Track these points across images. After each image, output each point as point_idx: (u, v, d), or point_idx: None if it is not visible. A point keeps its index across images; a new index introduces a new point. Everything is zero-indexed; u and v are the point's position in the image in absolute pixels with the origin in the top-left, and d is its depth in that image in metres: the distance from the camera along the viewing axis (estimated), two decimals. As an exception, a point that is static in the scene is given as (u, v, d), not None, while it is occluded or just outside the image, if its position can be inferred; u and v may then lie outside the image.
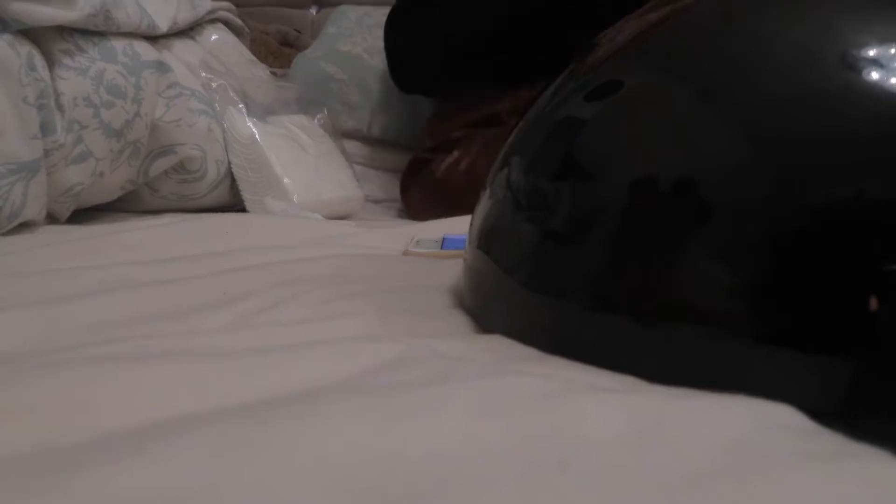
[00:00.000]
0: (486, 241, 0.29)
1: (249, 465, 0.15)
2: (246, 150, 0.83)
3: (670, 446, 0.17)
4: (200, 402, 0.20)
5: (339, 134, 1.08)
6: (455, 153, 0.98)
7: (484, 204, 0.30)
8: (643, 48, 0.26)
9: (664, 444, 0.17)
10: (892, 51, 0.21)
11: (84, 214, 0.71)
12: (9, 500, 0.14)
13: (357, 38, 1.20)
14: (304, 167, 0.88)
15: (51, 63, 0.60)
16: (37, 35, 0.59)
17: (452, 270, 0.41)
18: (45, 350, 0.24)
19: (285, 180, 0.84)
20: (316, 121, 0.98)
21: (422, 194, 1.03)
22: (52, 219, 0.67)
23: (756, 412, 0.19)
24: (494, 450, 0.17)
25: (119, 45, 0.66)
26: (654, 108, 0.24)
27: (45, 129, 0.59)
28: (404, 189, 1.11)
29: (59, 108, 0.60)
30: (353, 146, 1.17)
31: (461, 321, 0.31)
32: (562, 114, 0.27)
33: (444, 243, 0.54)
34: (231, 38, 0.90)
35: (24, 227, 0.61)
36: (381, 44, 1.13)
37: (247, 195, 0.82)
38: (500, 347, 0.27)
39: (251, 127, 0.83)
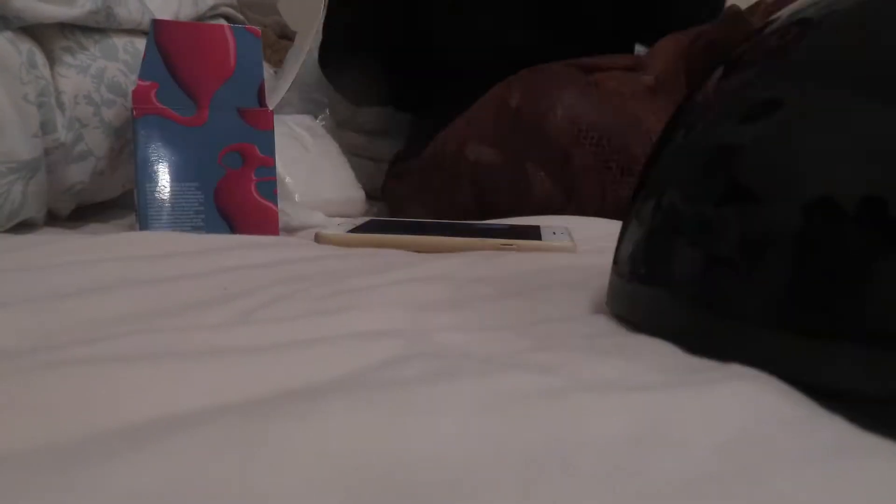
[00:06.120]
0: (642, 268, 0.29)
1: (249, 463, 0.15)
2: (248, 149, 0.82)
3: (671, 447, 0.17)
4: (200, 399, 0.20)
5: (335, 125, 1.08)
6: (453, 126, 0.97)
7: (633, 232, 0.30)
8: (791, 65, 0.25)
9: (665, 445, 0.17)
10: None
11: (84, 210, 0.71)
12: (9, 498, 0.14)
13: (350, 28, 1.20)
14: (306, 166, 0.87)
15: (52, 61, 0.60)
16: (38, 32, 0.59)
17: (453, 263, 0.41)
18: (43, 347, 0.24)
19: (287, 179, 0.83)
20: (318, 120, 0.98)
21: (411, 175, 1.02)
22: (52, 216, 0.67)
23: (757, 407, 0.19)
24: (495, 449, 0.16)
25: (120, 42, 0.66)
26: (829, 124, 0.23)
27: (46, 127, 0.59)
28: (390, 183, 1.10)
29: (60, 106, 0.60)
30: (347, 137, 1.17)
31: (465, 314, 0.31)
32: (716, 139, 0.26)
33: (359, 229, 0.58)
34: (232, 35, 0.90)
35: (24, 225, 0.61)
36: None
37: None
38: (503, 340, 0.27)
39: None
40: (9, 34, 0.56)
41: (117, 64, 0.65)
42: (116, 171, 0.69)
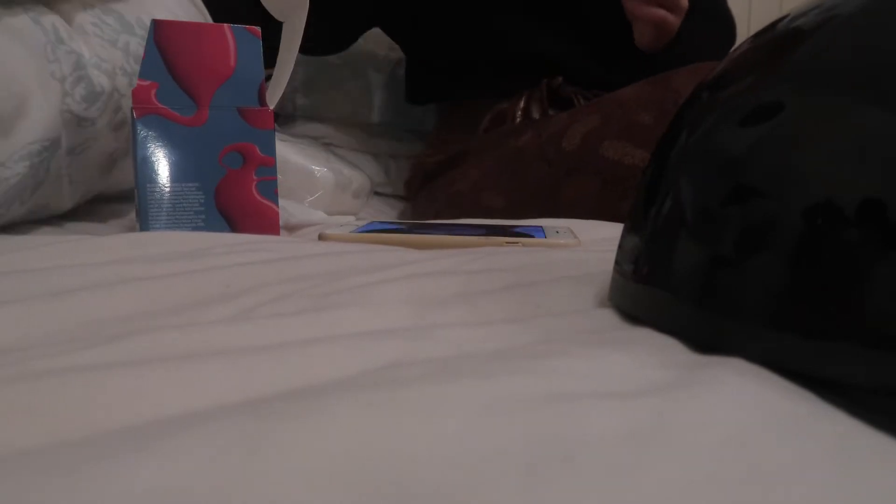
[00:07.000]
0: (644, 268, 0.29)
1: (251, 464, 0.15)
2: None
3: (673, 446, 0.17)
4: (203, 399, 0.20)
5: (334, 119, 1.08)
6: (466, 167, 0.99)
7: (634, 232, 0.30)
8: (792, 68, 0.25)
9: (667, 444, 0.17)
10: None
11: (82, 210, 0.71)
12: (12, 499, 0.14)
13: (353, 24, 1.21)
14: (328, 159, 0.87)
15: (84, 33, 0.61)
16: (61, 8, 0.60)
17: (458, 259, 0.41)
18: (44, 346, 0.24)
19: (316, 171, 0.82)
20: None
21: (431, 203, 1.04)
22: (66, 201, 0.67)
23: (758, 405, 0.19)
24: (496, 449, 0.16)
25: (132, 17, 0.67)
26: (830, 127, 0.23)
27: (88, 98, 0.60)
28: (412, 196, 1.11)
29: (107, 74, 0.61)
30: (349, 131, 1.17)
31: (469, 308, 0.31)
32: (717, 142, 0.26)
33: (364, 228, 0.59)
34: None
35: (26, 222, 0.61)
36: (376, 28, 1.15)
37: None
38: (507, 334, 0.27)
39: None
40: (32, 14, 0.56)
41: (136, 38, 0.66)
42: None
